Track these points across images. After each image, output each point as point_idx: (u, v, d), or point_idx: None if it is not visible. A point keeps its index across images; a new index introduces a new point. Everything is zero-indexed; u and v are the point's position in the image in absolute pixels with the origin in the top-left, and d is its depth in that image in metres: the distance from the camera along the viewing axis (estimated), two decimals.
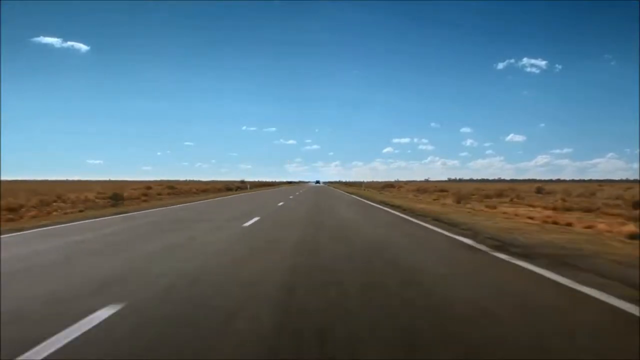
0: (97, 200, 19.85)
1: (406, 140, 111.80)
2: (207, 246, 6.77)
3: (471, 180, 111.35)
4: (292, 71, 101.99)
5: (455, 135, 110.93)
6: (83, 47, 76.70)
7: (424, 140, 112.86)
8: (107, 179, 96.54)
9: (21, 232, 8.85)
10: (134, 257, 5.70)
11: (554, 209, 14.20)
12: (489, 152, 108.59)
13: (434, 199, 22.89)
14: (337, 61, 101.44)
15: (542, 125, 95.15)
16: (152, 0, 73.20)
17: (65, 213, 14.28)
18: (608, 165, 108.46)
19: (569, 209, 13.86)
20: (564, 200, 17.26)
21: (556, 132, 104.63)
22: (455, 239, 7.48)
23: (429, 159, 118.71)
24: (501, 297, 3.68)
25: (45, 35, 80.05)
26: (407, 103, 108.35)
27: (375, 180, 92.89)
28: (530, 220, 10.40)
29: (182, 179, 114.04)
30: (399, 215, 13.02)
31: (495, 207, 15.18)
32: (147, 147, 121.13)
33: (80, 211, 15.05)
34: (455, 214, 12.77)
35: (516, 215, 12.12)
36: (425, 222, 10.59)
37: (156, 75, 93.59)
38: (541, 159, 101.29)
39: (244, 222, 10.44)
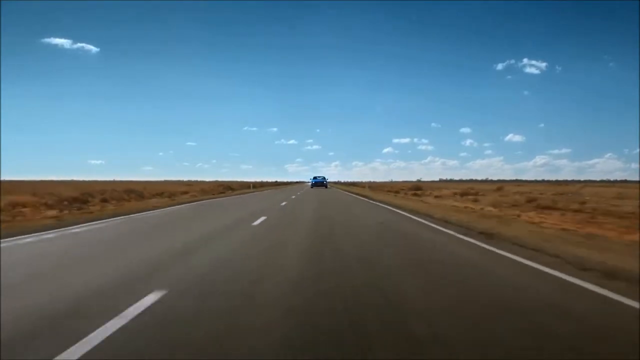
0: (214, 189, 38.32)
1: (406, 140, 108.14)
2: (292, 193, 24.80)
3: (461, 181, 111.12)
4: (294, 72, 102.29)
5: (455, 135, 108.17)
6: (93, 49, 75.41)
7: (424, 141, 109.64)
8: (111, 179, 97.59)
9: (229, 197, 27.03)
10: (276, 200, 23.78)
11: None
12: (488, 152, 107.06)
13: None
14: (338, 62, 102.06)
15: (542, 125, 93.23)
16: (159, 1, 76.78)
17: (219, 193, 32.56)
18: (606, 166, 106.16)
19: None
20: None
21: (555, 132, 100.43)
22: None
23: (428, 159, 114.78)
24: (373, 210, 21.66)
25: (55, 37, 78.34)
26: (407, 103, 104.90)
27: (375, 180, 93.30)
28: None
29: (184, 179, 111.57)
30: None
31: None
32: (149, 147, 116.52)
33: (221, 192, 33.39)
34: None
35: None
36: None
37: (161, 77, 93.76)
38: (540, 159, 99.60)
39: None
